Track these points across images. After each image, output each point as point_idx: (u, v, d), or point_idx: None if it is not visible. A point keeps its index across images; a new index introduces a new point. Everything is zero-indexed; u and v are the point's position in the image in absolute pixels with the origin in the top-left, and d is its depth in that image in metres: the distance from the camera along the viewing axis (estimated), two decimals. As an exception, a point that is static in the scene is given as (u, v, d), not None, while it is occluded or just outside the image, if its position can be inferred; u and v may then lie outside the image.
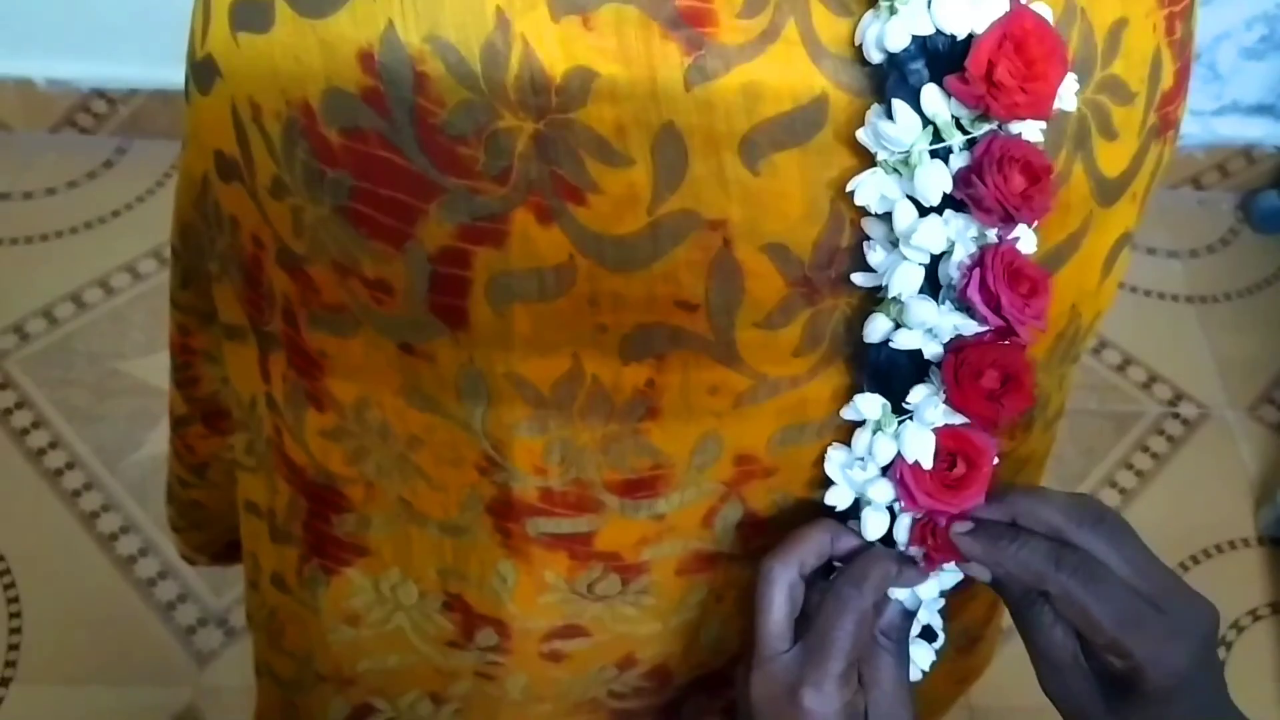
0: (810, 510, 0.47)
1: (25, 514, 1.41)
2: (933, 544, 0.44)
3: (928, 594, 0.46)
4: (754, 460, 0.44)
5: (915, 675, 0.48)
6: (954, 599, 0.53)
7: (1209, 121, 1.77)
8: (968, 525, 0.43)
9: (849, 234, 0.39)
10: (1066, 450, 1.55)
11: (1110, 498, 1.53)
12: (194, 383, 0.64)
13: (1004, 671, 1.37)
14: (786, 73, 0.36)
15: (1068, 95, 0.38)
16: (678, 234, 0.38)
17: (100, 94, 1.74)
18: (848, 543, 0.45)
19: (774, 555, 0.44)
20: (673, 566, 0.49)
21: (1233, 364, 1.66)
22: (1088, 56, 0.40)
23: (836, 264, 0.39)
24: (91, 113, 1.76)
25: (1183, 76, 0.44)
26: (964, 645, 0.66)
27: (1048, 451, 0.55)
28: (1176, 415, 1.61)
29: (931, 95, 0.36)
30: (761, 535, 0.48)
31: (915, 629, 0.47)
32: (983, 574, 0.44)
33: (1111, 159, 0.42)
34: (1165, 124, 0.44)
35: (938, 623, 0.48)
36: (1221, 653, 1.41)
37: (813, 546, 0.44)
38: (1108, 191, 0.43)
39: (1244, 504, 1.52)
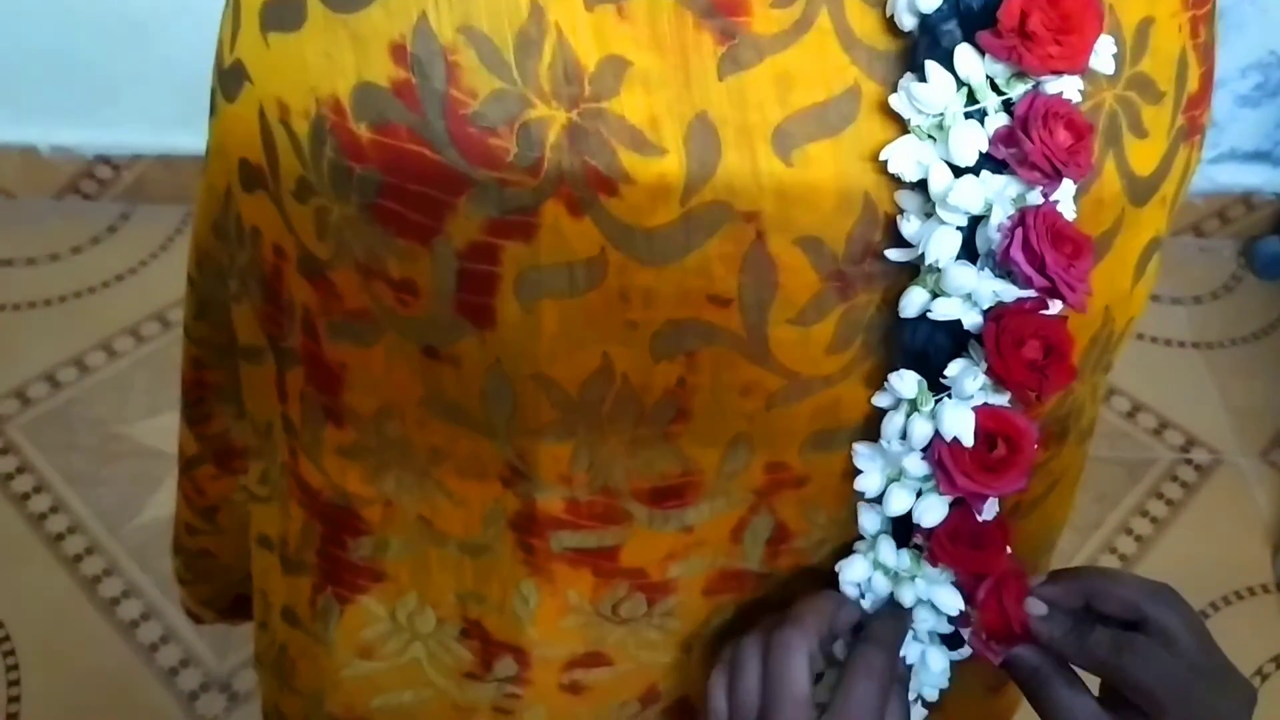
0: (840, 525, 0.46)
1: (26, 579, 1.40)
2: (995, 616, 0.44)
3: (937, 667, 0.46)
4: (785, 468, 0.43)
5: (943, 683, 0.47)
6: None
7: (1207, 169, 1.79)
8: (1042, 609, 0.44)
9: (882, 227, 0.38)
10: (1080, 497, 1.53)
11: (1127, 545, 1.51)
12: (206, 420, 0.63)
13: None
14: (819, 63, 0.36)
15: (1105, 55, 0.38)
16: (710, 226, 0.37)
17: (104, 160, 1.76)
18: (849, 615, 0.45)
19: (792, 624, 0.44)
20: (699, 585, 0.48)
21: (1242, 409, 1.65)
22: (1117, 53, 0.39)
23: (870, 257, 0.39)
24: (95, 179, 1.77)
25: (1207, 81, 0.44)
26: (994, 684, 0.64)
27: (1080, 470, 0.54)
28: (1189, 461, 1.60)
29: (965, 54, 0.36)
30: (791, 553, 0.47)
31: (936, 632, 0.46)
32: (995, 658, 0.45)
33: (1142, 158, 0.42)
34: (1192, 128, 0.44)
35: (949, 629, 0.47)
36: (1246, 701, 1.38)
37: (825, 617, 0.45)
38: (1139, 191, 0.42)
39: (1261, 550, 1.51)
